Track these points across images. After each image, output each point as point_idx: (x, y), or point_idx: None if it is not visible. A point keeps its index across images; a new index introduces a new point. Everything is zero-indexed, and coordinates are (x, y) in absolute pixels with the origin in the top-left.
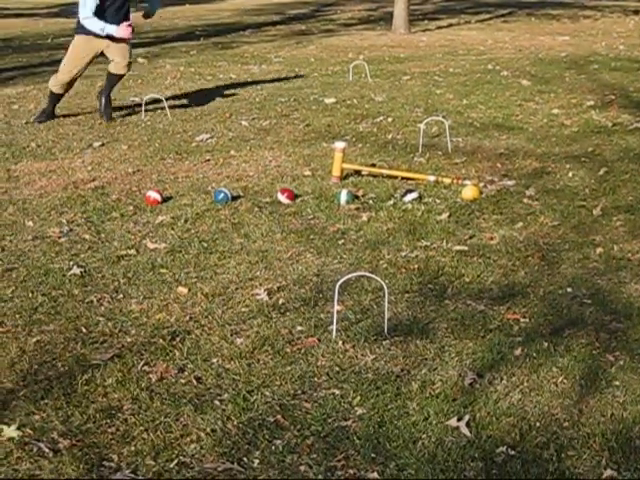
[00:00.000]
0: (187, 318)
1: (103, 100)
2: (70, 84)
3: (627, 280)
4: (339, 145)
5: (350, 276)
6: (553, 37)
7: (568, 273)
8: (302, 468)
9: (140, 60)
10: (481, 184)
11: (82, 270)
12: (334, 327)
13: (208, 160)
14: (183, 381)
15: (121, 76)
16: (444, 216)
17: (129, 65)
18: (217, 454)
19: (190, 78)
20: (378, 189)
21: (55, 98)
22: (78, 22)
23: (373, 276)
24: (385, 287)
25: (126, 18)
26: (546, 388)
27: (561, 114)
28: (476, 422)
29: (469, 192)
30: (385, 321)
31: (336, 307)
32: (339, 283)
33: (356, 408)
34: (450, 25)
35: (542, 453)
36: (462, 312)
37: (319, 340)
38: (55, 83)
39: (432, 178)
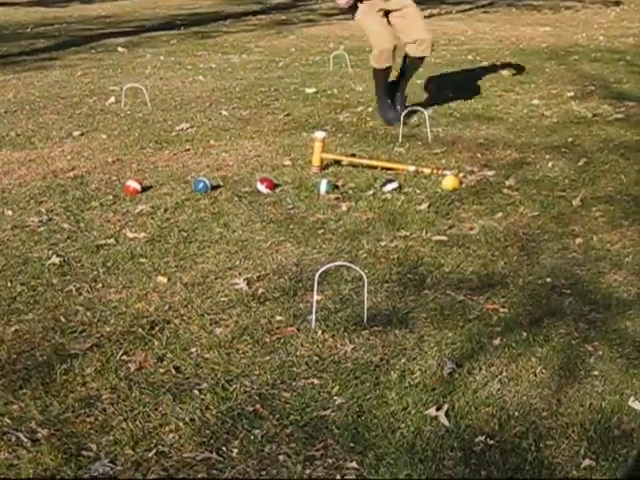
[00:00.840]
0: (166, 307)
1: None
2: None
3: (606, 270)
4: (319, 135)
5: (329, 266)
6: (534, 28)
7: (547, 263)
8: (281, 457)
9: (120, 49)
10: (461, 174)
11: (61, 259)
12: (313, 317)
13: (188, 149)
14: (162, 370)
15: (421, 60)
16: (424, 206)
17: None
18: (196, 443)
19: (170, 67)
20: (358, 179)
21: (381, 75)
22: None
23: (352, 266)
24: (364, 277)
25: None
26: (525, 378)
27: (541, 105)
28: (455, 412)
29: (449, 182)
30: (365, 311)
31: (315, 297)
32: (318, 273)
33: (335, 398)
34: (431, 15)
35: (521, 443)
36: (441, 302)
37: (298, 330)
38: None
39: (412, 168)
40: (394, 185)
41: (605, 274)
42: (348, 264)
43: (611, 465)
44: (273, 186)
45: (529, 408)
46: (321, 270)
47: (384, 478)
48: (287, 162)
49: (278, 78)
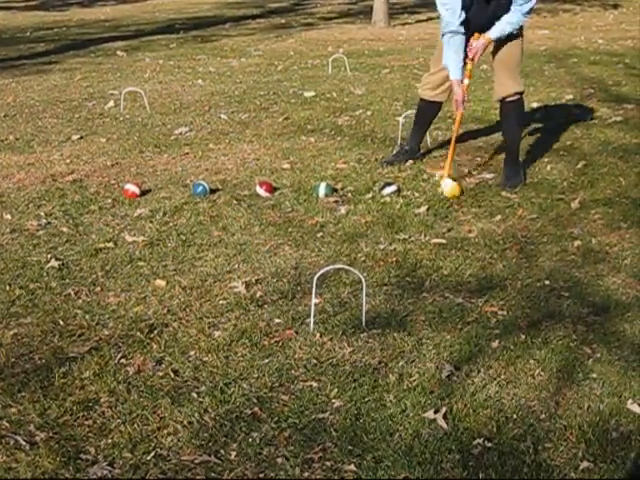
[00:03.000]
0: (165, 311)
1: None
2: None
3: (604, 273)
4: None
5: (328, 269)
6: (532, 31)
7: (546, 266)
8: (279, 460)
9: (119, 53)
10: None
11: (60, 263)
12: (312, 320)
13: (187, 153)
14: (160, 374)
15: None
16: (422, 209)
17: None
18: (194, 446)
19: (169, 71)
20: (357, 182)
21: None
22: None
23: (351, 269)
24: (363, 280)
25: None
26: (523, 380)
27: (540, 107)
28: (453, 414)
29: (451, 190)
30: (363, 314)
31: (314, 300)
32: (317, 276)
33: (333, 400)
34: (430, 19)
35: (519, 445)
36: (440, 305)
37: (297, 333)
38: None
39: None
40: (393, 188)
41: (604, 277)
42: (347, 267)
43: (609, 467)
44: (272, 189)
45: (527, 411)
46: (319, 273)
47: None
48: (286, 165)
49: (277, 82)
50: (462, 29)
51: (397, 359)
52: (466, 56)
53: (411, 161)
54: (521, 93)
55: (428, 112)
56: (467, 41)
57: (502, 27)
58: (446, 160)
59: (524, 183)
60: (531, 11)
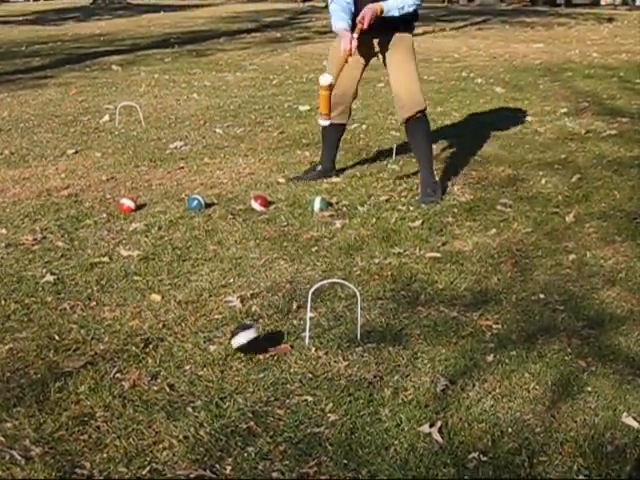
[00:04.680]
0: (160, 325)
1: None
2: None
3: (599, 286)
4: (324, 81)
5: (323, 283)
6: (527, 45)
7: (541, 279)
8: (275, 475)
9: (115, 67)
10: (455, 188)
11: (55, 277)
12: (307, 334)
13: (182, 167)
14: (156, 388)
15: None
16: (417, 223)
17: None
18: (190, 461)
19: (164, 85)
20: (352, 196)
21: None
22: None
23: (346, 283)
24: (358, 294)
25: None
26: (518, 394)
27: (535, 121)
28: (448, 428)
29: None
30: (358, 328)
31: (309, 314)
32: (312, 290)
33: (329, 415)
34: (425, 32)
35: (514, 459)
36: (435, 319)
37: (292, 347)
38: None
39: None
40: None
41: (598, 290)
42: (341, 281)
43: None
44: (267, 204)
45: (522, 424)
46: (314, 287)
47: None
48: (281, 179)
49: (272, 96)
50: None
51: (392, 373)
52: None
53: (336, 177)
54: (423, 110)
55: (332, 134)
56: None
57: (397, 2)
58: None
59: (440, 200)
60: None
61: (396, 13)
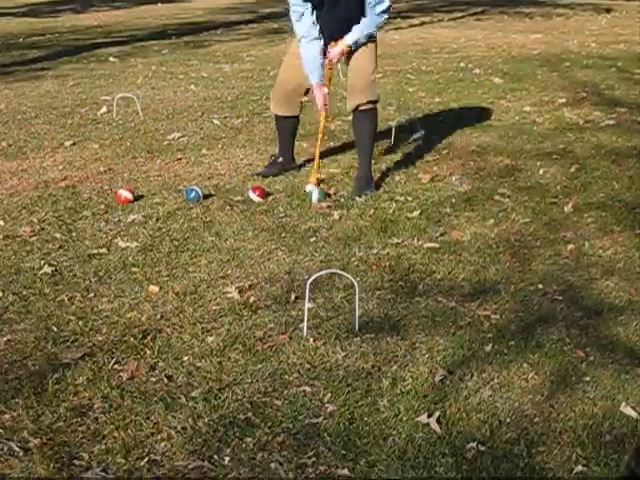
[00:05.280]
0: (158, 317)
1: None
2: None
3: (598, 276)
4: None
5: (321, 273)
6: (525, 35)
7: (539, 270)
8: (273, 465)
9: (112, 59)
10: (453, 179)
11: (53, 269)
12: (305, 324)
13: (180, 159)
14: (154, 379)
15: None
16: (415, 213)
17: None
18: (188, 452)
19: (162, 77)
20: (350, 187)
21: None
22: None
23: (344, 273)
24: (356, 284)
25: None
26: (516, 384)
27: (533, 112)
28: (446, 418)
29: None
30: (356, 318)
31: (307, 304)
32: (310, 280)
33: (327, 405)
34: (423, 23)
35: (512, 449)
36: (433, 309)
37: (290, 338)
38: None
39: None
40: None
41: (597, 280)
42: (339, 272)
43: (603, 470)
44: (265, 195)
45: (521, 414)
46: (312, 278)
47: None
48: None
49: (270, 87)
50: (315, 34)
51: (390, 363)
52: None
53: (293, 171)
54: (375, 102)
55: (287, 127)
56: (326, 46)
57: (358, 31)
58: (313, 164)
59: (373, 192)
60: (388, 10)
61: (364, 40)
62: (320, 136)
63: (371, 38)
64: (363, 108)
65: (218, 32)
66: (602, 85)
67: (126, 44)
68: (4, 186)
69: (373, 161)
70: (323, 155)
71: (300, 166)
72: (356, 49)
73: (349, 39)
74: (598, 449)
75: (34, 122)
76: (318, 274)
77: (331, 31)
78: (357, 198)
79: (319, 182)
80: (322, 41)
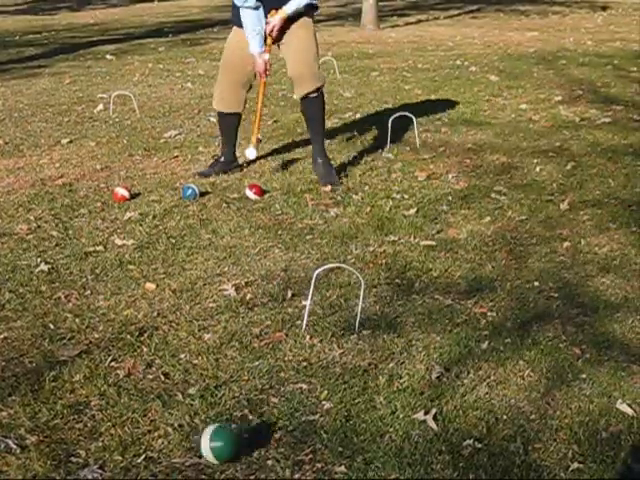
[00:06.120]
0: (155, 314)
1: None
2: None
3: (594, 274)
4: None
5: (329, 267)
6: (522, 33)
7: (535, 267)
8: (270, 462)
9: (108, 57)
10: (450, 176)
11: (50, 267)
12: (305, 317)
13: (176, 156)
14: (151, 377)
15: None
16: (412, 211)
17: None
18: (184, 449)
19: (159, 75)
20: (346, 184)
21: None
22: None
23: (351, 269)
24: (362, 281)
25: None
26: (513, 381)
27: (529, 109)
28: (443, 415)
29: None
30: (358, 315)
31: (310, 299)
32: (316, 273)
33: (324, 402)
34: (419, 21)
35: (509, 446)
36: (429, 306)
37: (287, 335)
38: None
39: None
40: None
41: (593, 277)
42: (347, 267)
43: (599, 467)
44: (262, 192)
45: (517, 411)
46: (318, 271)
47: None
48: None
49: (266, 84)
50: (254, 3)
51: (387, 361)
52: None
53: (231, 172)
54: (321, 87)
55: (229, 124)
56: (266, 16)
57: (296, 1)
58: (253, 127)
59: (340, 181)
60: None
61: (302, 9)
62: (260, 100)
63: (310, 14)
64: (312, 96)
65: (215, 30)
66: (598, 83)
67: (123, 42)
68: (1, 184)
69: (370, 158)
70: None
71: (241, 166)
72: (290, 35)
73: (288, 8)
74: (594, 446)
75: (31, 120)
76: (325, 267)
77: (273, 2)
78: (325, 188)
79: (259, 142)
80: (262, 10)
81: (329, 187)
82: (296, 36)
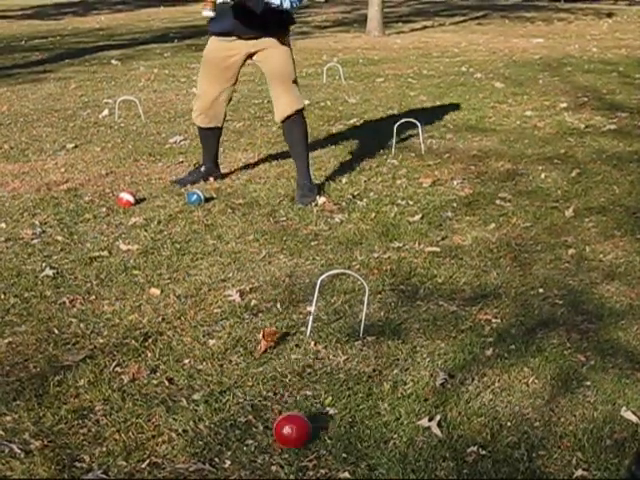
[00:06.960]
0: (159, 319)
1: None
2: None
3: (598, 281)
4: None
5: (333, 273)
6: (527, 39)
7: (540, 274)
8: (274, 468)
9: (114, 62)
10: (455, 183)
11: (54, 271)
12: (310, 323)
13: (181, 162)
14: (155, 382)
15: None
16: (417, 217)
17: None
18: (189, 454)
19: (164, 80)
20: (351, 190)
21: None
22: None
23: (355, 275)
24: (366, 287)
25: None
26: (517, 388)
27: (534, 116)
28: (447, 422)
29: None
30: (362, 321)
31: (315, 304)
32: (320, 279)
33: (328, 408)
34: (424, 27)
35: (513, 453)
36: (434, 313)
37: (291, 341)
38: None
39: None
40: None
41: (598, 284)
42: (351, 273)
43: (603, 475)
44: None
45: (521, 418)
46: (323, 277)
47: None
48: (280, 174)
49: None
50: None
51: (391, 367)
52: None
53: (212, 179)
54: (301, 110)
55: (210, 137)
56: None
57: None
58: None
59: (316, 200)
60: None
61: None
62: None
63: (286, 32)
64: (292, 119)
65: None
66: (603, 90)
67: (128, 47)
68: (6, 188)
69: (375, 164)
70: (325, 158)
71: (225, 175)
72: (270, 59)
73: None
74: (598, 453)
75: (36, 125)
76: (329, 273)
77: None
78: (301, 205)
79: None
80: None
81: (300, 205)
82: (273, 57)
